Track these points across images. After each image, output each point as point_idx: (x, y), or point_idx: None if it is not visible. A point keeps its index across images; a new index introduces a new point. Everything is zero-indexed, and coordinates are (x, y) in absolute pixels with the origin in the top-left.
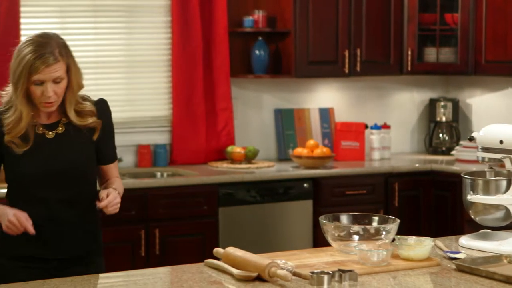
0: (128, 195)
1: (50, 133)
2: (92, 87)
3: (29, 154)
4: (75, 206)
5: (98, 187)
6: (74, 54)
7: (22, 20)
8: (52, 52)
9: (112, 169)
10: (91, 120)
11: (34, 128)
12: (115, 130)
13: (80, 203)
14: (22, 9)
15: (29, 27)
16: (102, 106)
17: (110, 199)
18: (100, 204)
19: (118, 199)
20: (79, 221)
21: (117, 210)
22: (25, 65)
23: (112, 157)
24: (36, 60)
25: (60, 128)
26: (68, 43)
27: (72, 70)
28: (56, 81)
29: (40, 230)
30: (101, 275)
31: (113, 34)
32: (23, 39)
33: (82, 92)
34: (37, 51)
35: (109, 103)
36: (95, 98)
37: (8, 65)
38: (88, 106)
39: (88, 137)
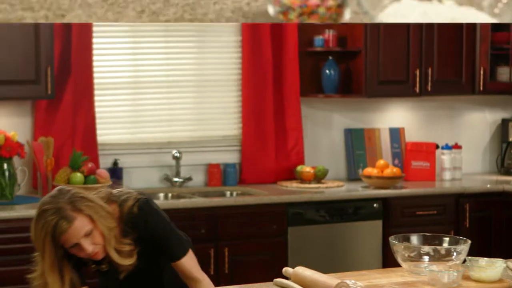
0: (198, 214)
1: (103, 266)
2: (164, 106)
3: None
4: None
5: None
6: (145, 73)
7: (94, 40)
8: (64, 217)
9: (184, 268)
10: (129, 263)
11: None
12: (185, 149)
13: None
14: (94, 28)
15: (102, 46)
16: (140, 224)
17: None
18: None
19: None
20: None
21: None
22: (45, 239)
23: (173, 253)
24: (54, 231)
25: (104, 266)
26: (138, 62)
27: (94, 218)
28: (87, 235)
29: None
30: None
31: (184, 53)
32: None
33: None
34: (50, 222)
35: (180, 123)
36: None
37: (82, 82)
38: (127, 246)
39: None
